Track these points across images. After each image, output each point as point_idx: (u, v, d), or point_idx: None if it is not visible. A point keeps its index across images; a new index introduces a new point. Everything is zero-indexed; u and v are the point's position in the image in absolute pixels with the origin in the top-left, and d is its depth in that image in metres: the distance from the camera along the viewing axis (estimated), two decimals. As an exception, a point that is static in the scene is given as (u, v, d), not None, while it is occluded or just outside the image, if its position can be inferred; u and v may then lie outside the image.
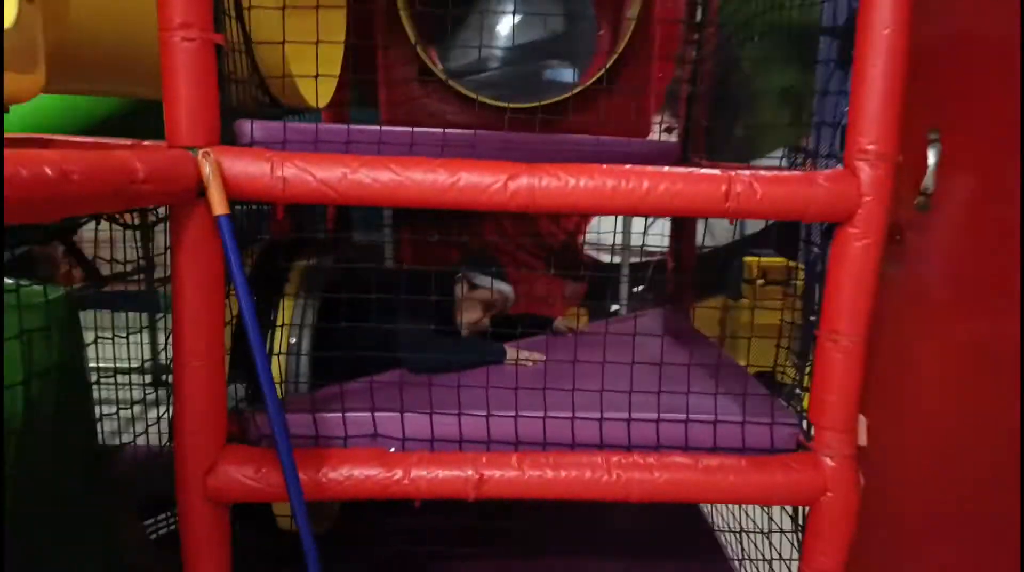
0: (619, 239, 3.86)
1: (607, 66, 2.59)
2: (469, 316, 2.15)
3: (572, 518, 2.02)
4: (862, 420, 1.41)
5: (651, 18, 2.73)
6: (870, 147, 1.31)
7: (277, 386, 1.67)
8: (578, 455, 1.44)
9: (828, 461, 1.40)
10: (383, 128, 1.43)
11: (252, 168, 1.28)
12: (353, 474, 1.39)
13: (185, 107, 1.27)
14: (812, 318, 1.47)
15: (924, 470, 1.47)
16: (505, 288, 2.18)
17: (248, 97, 1.70)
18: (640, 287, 4.50)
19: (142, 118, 2.79)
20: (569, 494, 1.41)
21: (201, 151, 1.26)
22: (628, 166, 1.34)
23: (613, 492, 1.40)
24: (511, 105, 2.42)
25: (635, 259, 4.14)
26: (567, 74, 3.17)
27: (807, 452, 1.44)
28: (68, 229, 2.72)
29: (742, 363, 1.80)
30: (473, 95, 2.47)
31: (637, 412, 1.50)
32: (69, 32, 1.45)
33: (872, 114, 1.31)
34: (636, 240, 3.81)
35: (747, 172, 1.34)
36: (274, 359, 1.66)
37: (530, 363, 1.87)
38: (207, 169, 1.25)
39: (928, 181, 1.36)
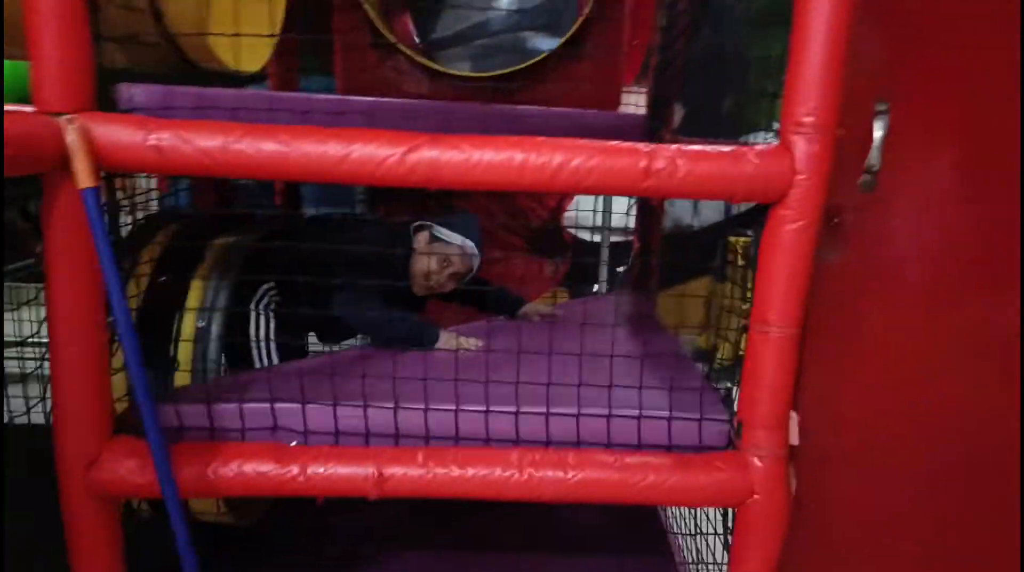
0: (599, 218, 3.73)
1: (571, 32, 2.45)
2: (424, 271, 1.95)
3: (520, 512, 1.92)
4: (794, 417, 1.30)
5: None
6: (806, 119, 1.19)
7: (186, 374, 1.58)
8: (489, 451, 1.34)
9: (756, 461, 1.29)
10: (274, 94, 1.32)
11: (124, 135, 1.17)
12: (244, 470, 1.30)
13: (52, 68, 1.16)
14: (745, 307, 1.35)
15: (865, 473, 1.36)
16: (467, 243, 1.96)
17: (155, 59, 1.59)
18: (623, 268, 4.38)
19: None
20: (477, 493, 1.31)
21: (66, 117, 1.15)
22: (541, 138, 1.22)
23: (524, 491, 1.30)
24: (464, 74, 2.30)
25: (620, 238, 4.01)
26: (550, 43, 3.03)
27: (735, 451, 1.33)
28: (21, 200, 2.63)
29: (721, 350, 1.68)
30: (429, 63, 2.34)
31: (562, 405, 1.39)
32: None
33: (809, 81, 1.18)
34: (618, 220, 3.69)
35: (673, 146, 1.22)
36: (182, 344, 1.56)
37: (465, 348, 1.76)
38: (71, 137, 1.14)
39: (873, 157, 1.23)
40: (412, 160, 1.19)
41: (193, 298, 1.59)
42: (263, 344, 1.85)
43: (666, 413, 1.37)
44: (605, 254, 3.72)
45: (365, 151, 1.19)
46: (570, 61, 2.50)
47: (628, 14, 2.66)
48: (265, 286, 1.88)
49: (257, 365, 1.85)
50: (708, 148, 1.23)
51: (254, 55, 1.97)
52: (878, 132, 1.24)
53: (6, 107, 1.23)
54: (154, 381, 1.53)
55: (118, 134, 1.17)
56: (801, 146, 1.20)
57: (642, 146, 1.22)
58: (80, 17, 1.17)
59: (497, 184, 1.23)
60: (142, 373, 1.17)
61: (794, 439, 1.29)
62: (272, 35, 1.68)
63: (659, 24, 2.42)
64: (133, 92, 1.27)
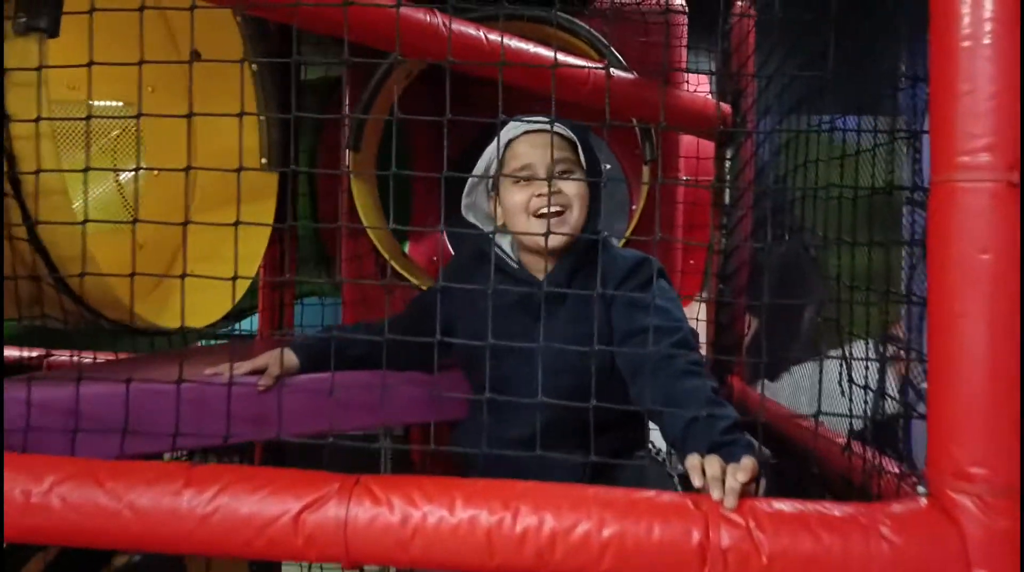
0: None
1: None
2: (516, 207, 1.18)
3: None
4: None
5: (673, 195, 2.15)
6: (976, 470, 0.69)
7: None
8: None
9: None
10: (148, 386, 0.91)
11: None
12: None
13: None
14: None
15: None
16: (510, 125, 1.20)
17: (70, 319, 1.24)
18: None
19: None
20: None
21: None
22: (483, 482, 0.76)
23: None
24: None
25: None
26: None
27: None
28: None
29: None
30: (413, 280, 1.92)
31: None
32: None
33: (971, 424, 0.69)
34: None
35: (748, 507, 0.73)
36: None
37: None
38: None
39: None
40: (309, 524, 0.74)
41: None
42: None
43: None
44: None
45: (238, 513, 0.74)
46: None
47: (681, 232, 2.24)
48: None
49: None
50: (796, 506, 0.73)
51: (218, 306, 1.63)
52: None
53: None
54: None
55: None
56: (971, 510, 0.68)
57: (693, 508, 0.73)
58: None
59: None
60: None
61: None
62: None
63: (721, 229, 2.00)
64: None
